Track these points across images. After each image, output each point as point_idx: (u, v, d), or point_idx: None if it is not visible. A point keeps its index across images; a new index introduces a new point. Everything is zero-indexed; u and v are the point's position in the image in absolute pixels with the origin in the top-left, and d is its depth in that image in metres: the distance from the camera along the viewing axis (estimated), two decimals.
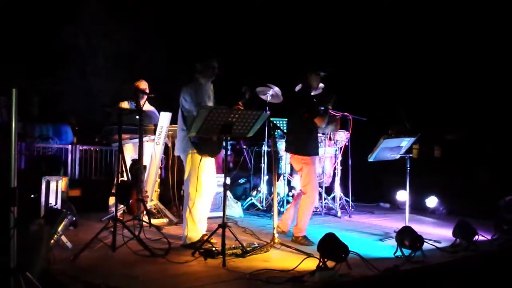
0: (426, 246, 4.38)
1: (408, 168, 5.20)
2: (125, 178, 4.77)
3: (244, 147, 8.52)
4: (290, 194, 7.29)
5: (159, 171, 6.12)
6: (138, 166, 4.94)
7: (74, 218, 4.74)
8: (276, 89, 6.98)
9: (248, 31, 10.34)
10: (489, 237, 5.08)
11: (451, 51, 8.89)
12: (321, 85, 6.05)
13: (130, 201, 4.67)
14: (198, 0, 10.48)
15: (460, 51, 8.76)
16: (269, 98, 7.03)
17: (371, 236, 5.46)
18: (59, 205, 5.07)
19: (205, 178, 4.56)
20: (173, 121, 5.76)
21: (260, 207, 7.25)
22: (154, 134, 5.75)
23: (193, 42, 10.23)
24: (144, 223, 4.88)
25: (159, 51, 11.08)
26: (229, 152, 8.57)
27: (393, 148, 5.20)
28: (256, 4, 10.31)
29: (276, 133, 5.53)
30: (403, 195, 7.24)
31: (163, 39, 10.91)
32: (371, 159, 5.16)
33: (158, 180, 6.13)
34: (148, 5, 10.76)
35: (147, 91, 5.90)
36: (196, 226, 4.54)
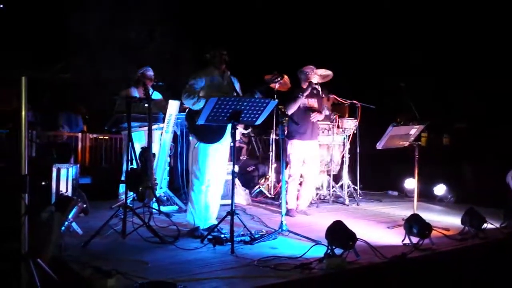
0: (434, 233, 4.38)
1: (417, 156, 5.19)
2: (134, 166, 4.80)
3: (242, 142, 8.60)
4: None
5: (168, 159, 6.15)
6: (147, 154, 4.96)
7: (84, 205, 4.80)
8: (285, 76, 6.96)
9: (257, 20, 10.31)
10: (497, 225, 5.06)
11: (461, 39, 8.81)
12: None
13: (140, 188, 4.70)
14: None
15: (470, 40, 8.67)
16: (277, 86, 7.01)
17: (379, 224, 5.46)
18: (69, 193, 5.13)
19: (208, 165, 4.55)
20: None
21: (268, 195, 7.28)
22: (163, 122, 5.77)
23: (203, 30, 10.23)
24: (153, 210, 4.93)
25: (169, 40, 11.09)
26: (241, 141, 8.69)
27: (402, 135, 5.19)
28: None
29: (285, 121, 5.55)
30: (411, 183, 7.23)
31: (171, 28, 10.92)
32: (379, 147, 5.15)
33: (168, 168, 6.16)
34: None
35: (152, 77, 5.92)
36: (198, 212, 4.58)
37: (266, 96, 4.52)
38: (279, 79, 4.63)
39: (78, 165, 5.79)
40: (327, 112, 7.22)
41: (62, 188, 5.10)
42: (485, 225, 4.72)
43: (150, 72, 6.01)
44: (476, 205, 5.20)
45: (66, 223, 4.17)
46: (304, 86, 5.86)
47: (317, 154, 6.28)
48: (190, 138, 4.61)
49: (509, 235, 4.89)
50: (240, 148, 8.88)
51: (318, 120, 6.15)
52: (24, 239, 2.77)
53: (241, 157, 8.72)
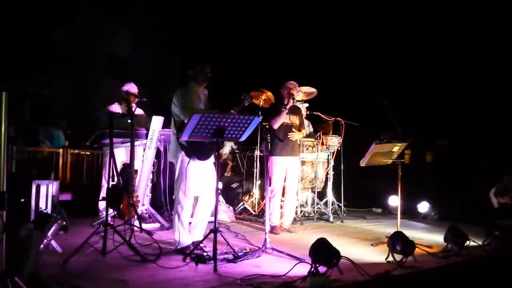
0: (417, 251, 4.39)
1: (400, 174, 5.21)
2: (115, 182, 4.74)
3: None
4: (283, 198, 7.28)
5: (151, 175, 6.09)
6: (129, 171, 4.90)
7: (64, 222, 4.71)
8: (269, 93, 6.99)
9: (242, 36, 10.37)
10: (480, 243, 5.09)
11: (443, 58, 8.95)
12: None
13: (121, 205, 4.64)
14: (193, 4, 10.51)
15: (451, 58, 8.82)
16: (262, 103, 7.03)
17: (363, 241, 5.45)
18: (49, 210, 5.02)
19: (196, 182, 4.52)
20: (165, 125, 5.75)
21: (253, 212, 7.23)
22: (146, 138, 5.72)
23: (186, 47, 10.25)
24: (135, 227, 4.85)
25: (152, 54, 11.07)
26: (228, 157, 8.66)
27: (385, 153, 5.21)
28: (254, 9, 10.35)
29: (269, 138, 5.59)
30: (395, 200, 7.26)
31: (156, 43, 10.91)
32: (362, 164, 5.17)
33: (150, 184, 6.10)
34: (142, 8, 10.77)
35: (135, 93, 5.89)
36: (186, 230, 4.52)
37: (250, 113, 4.51)
38: (249, 99, 4.61)
39: (58, 182, 5.69)
40: (311, 129, 7.27)
41: (42, 205, 4.99)
42: (467, 242, 4.74)
43: (134, 89, 5.98)
44: (459, 222, 5.23)
45: (45, 240, 4.08)
46: (285, 101, 5.89)
47: (298, 170, 6.30)
48: (180, 154, 4.54)
49: (491, 252, 4.92)
50: (226, 164, 8.84)
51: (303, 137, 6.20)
52: (2, 258, 2.70)
53: (225, 174, 8.68)
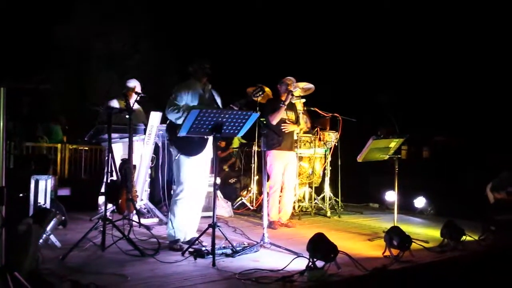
0: (414, 246, 4.41)
1: (397, 169, 5.24)
2: (114, 178, 4.75)
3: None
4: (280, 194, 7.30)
5: (149, 170, 6.10)
6: (127, 166, 4.91)
7: (63, 217, 4.72)
8: (267, 89, 7.00)
9: (240, 33, 10.37)
10: (476, 238, 5.12)
11: (441, 53, 8.98)
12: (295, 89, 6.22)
13: (120, 200, 4.66)
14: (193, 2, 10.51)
15: (449, 54, 8.85)
16: (259, 98, 7.03)
17: (360, 236, 5.48)
18: (48, 204, 5.04)
19: (189, 177, 4.53)
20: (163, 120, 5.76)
21: (251, 207, 7.26)
22: (144, 133, 5.73)
23: (186, 42, 10.25)
24: (134, 222, 4.87)
25: (151, 51, 11.06)
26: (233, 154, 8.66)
27: (382, 148, 5.24)
28: (252, 7, 10.35)
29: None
30: (391, 196, 7.30)
31: (155, 40, 10.90)
32: (359, 159, 5.19)
33: (148, 179, 6.11)
34: (141, 5, 10.76)
35: (138, 90, 5.89)
36: (178, 224, 4.54)
37: (248, 108, 4.52)
38: (260, 93, 4.65)
39: (57, 177, 5.70)
40: (308, 125, 7.29)
41: (40, 200, 5.00)
42: (464, 237, 4.78)
43: (139, 87, 5.98)
44: (455, 217, 5.26)
45: (44, 235, 4.10)
46: (283, 98, 5.91)
47: (296, 165, 6.31)
48: (171, 149, 4.58)
49: (488, 247, 4.95)
50: (229, 158, 8.85)
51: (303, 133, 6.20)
52: (1, 252, 2.72)
53: (224, 168, 8.70)
